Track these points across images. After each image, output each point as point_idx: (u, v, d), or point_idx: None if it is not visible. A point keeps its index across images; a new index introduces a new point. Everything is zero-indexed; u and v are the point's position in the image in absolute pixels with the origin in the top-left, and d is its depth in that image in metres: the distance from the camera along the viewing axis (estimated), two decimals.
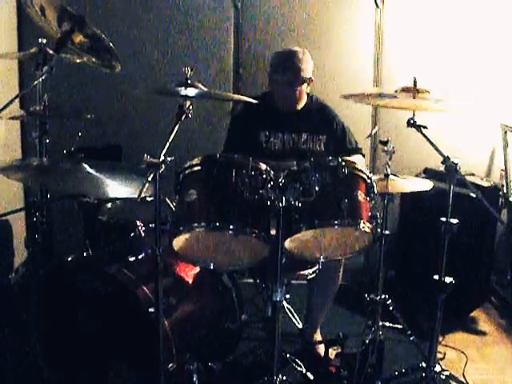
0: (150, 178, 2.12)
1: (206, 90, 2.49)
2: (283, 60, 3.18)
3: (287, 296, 2.63)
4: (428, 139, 2.63)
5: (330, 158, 2.47)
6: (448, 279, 2.71)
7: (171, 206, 2.72)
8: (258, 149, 3.18)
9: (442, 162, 2.58)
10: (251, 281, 3.03)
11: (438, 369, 2.88)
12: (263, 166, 2.40)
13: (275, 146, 3.22)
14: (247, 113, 3.27)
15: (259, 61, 4.09)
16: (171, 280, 2.78)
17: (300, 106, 3.25)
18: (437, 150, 2.58)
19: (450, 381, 2.93)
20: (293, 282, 2.88)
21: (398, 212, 4.09)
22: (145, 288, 2.57)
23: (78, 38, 2.67)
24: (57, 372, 2.76)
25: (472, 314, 3.90)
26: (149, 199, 2.66)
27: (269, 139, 3.22)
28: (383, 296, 3.13)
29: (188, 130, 4.03)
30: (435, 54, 4.13)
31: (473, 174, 3.96)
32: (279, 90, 3.17)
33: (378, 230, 2.64)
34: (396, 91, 2.85)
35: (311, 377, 2.99)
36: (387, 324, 3.24)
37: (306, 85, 3.19)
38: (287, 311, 3.53)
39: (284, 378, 2.54)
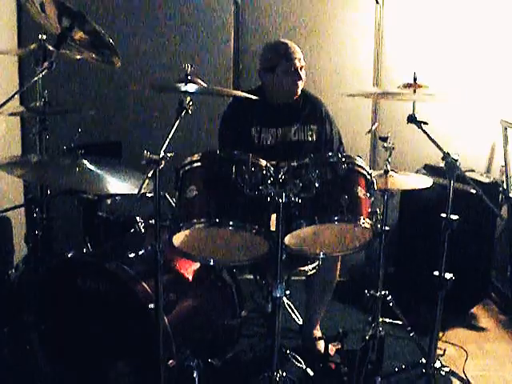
0: (149, 174, 2.13)
1: (205, 86, 2.49)
2: (293, 51, 3.15)
3: (287, 292, 2.63)
4: (428, 135, 2.63)
5: (330, 153, 2.47)
6: (448, 275, 2.71)
7: (171, 202, 2.73)
8: (250, 145, 3.16)
9: (442, 158, 2.57)
10: (251, 277, 3.02)
11: (438, 365, 2.88)
12: (263, 162, 2.40)
13: (266, 141, 3.21)
14: (236, 111, 3.26)
15: None
16: (171, 276, 2.78)
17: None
18: (437, 146, 2.59)
19: (450, 377, 2.93)
20: (293, 278, 2.89)
21: (398, 208, 4.08)
22: (144, 284, 2.57)
23: (78, 35, 2.66)
24: (56, 370, 2.76)
25: (472, 310, 3.91)
26: (149, 195, 2.67)
27: (260, 134, 3.20)
28: (383, 292, 3.14)
29: (188, 126, 4.04)
30: (435, 51, 4.12)
31: (473, 170, 3.96)
32: (286, 81, 3.14)
33: (378, 226, 2.64)
34: (399, 87, 2.86)
35: (311, 373, 2.99)
36: (387, 320, 3.24)
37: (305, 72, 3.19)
38: (287, 307, 3.54)
39: (284, 374, 2.53)
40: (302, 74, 3.17)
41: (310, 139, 3.24)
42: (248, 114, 3.17)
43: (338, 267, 3.24)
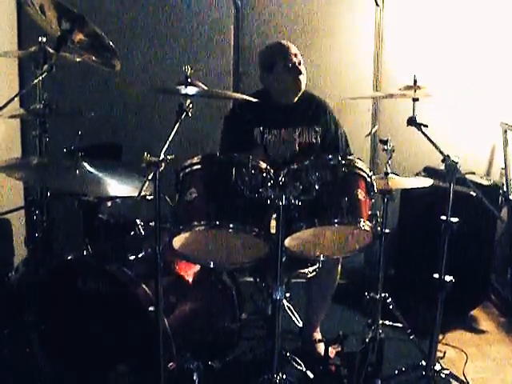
0: (149, 177, 2.13)
1: (206, 88, 2.49)
2: (287, 48, 3.17)
3: (287, 294, 2.62)
4: (428, 138, 2.64)
5: (330, 156, 2.47)
6: (448, 277, 2.71)
7: (171, 204, 2.73)
8: (252, 145, 3.15)
9: (443, 161, 2.58)
10: (251, 279, 3.03)
11: (437, 367, 2.88)
12: (263, 165, 2.40)
13: (269, 142, 3.21)
14: (239, 111, 3.25)
15: None
16: (171, 278, 2.78)
17: (297, 98, 3.22)
18: (437, 148, 2.59)
19: (450, 379, 2.93)
20: (293, 280, 2.88)
21: (398, 210, 4.08)
22: (145, 287, 2.57)
23: (78, 37, 2.67)
24: (57, 371, 2.76)
25: (472, 313, 3.90)
26: (149, 198, 2.67)
27: (263, 135, 3.19)
28: (383, 294, 3.13)
29: (188, 129, 4.03)
30: (435, 53, 4.13)
31: (473, 173, 3.96)
32: (286, 78, 3.13)
33: (378, 228, 2.64)
34: (399, 89, 2.87)
35: (311, 375, 2.99)
36: (387, 322, 3.23)
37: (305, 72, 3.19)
38: (287, 310, 3.53)
39: (284, 376, 2.54)
40: (302, 68, 3.15)
41: (315, 141, 3.23)
42: (251, 114, 3.16)
43: (339, 270, 3.23)
